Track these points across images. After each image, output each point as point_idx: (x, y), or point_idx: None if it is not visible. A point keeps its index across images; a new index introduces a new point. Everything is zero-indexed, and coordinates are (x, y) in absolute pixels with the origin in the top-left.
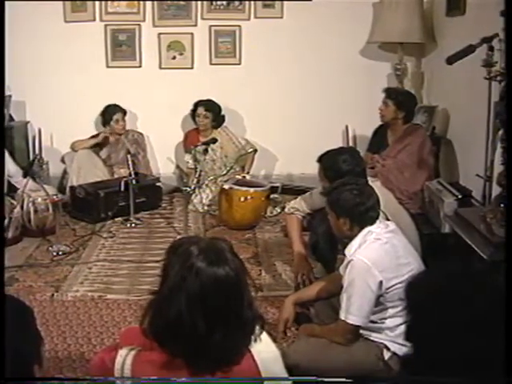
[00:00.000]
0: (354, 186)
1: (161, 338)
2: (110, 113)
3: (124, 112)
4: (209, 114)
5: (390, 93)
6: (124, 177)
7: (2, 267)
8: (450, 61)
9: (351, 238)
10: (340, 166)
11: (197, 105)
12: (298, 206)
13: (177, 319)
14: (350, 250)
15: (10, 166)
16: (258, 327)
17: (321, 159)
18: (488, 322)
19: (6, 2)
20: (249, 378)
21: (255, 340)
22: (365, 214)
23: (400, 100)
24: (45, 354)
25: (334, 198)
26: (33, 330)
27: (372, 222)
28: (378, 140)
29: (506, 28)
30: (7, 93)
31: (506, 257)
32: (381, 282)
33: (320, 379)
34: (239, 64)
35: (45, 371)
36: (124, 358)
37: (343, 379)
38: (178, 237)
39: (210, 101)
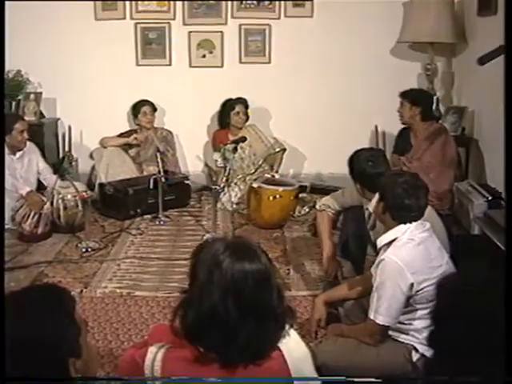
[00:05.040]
0: (408, 182)
1: (193, 334)
2: (139, 106)
3: (153, 107)
4: (246, 111)
5: (403, 94)
6: (153, 174)
7: (2, 267)
8: (482, 61)
9: (386, 225)
10: (364, 168)
11: (234, 103)
12: (329, 203)
13: (209, 315)
14: (382, 241)
15: (40, 163)
16: (288, 321)
17: (349, 161)
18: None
19: (39, 2)
20: (279, 378)
21: (284, 336)
22: (407, 211)
23: (413, 96)
24: (85, 344)
25: (386, 183)
26: (67, 317)
27: (411, 221)
28: (402, 142)
29: (505, 28)
30: (38, 90)
31: (506, 256)
32: (412, 284)
33: (349, 379)
34: (269, 63)
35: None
36: (154, 355)
37: (372, 379)
38: (207, 235)
39: (245, 99)
